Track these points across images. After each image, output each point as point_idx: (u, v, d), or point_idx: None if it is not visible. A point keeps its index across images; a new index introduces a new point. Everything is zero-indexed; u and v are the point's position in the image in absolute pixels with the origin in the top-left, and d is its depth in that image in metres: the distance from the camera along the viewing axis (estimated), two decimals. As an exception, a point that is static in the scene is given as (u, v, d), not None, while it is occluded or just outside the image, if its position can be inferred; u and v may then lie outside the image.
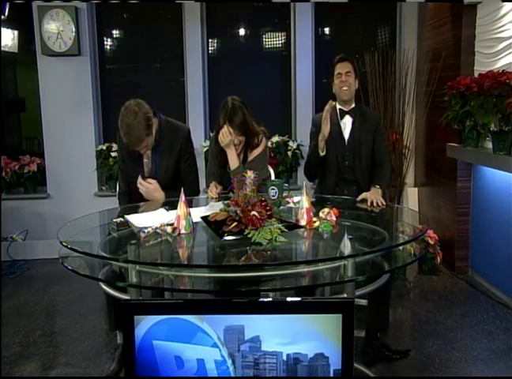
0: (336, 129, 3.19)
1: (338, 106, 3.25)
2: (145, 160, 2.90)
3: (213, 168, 3.04)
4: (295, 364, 1.12)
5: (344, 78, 3.16)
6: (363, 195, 2.84)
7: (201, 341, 1.13)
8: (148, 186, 2.80)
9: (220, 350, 1.12)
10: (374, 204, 2.70)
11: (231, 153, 2.88)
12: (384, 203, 2.73)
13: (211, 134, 4.62)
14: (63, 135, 4.64)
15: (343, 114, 3.24)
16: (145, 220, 2.20)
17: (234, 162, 2.88)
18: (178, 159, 2.92)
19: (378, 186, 2.97)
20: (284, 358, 1.12)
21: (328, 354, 1.12)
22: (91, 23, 4.64)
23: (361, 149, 3.19)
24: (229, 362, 1.13)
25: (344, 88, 3.16)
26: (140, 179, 2.80)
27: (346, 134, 3.22)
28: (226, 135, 2.82)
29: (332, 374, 1.13)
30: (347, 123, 3.23)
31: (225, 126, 2.83)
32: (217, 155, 2.99)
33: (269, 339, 1.12)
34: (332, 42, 4.93)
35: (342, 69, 3.18)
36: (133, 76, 4.83)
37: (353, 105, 3.24)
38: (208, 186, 3.00)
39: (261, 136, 2.96)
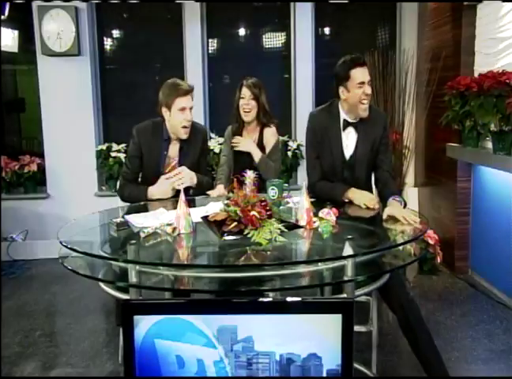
0: (336, 141, 2.67)
1: (342, 116, 2.66)
2: (170, 154, 2.89)
3: (227, 171, 3.22)
4: (288, 364, 1.12)
5: (368, 90, 2.50)
6: (389, 212, 2.29)
7: (198, 341, 1.13)
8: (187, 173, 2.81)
9: (217, 350, 1.12)
10: (410, 221, 2.19)
11: (251, 148, 3.11)
12: (417, 221, 2.22)
13: (211, 134, 4.62)
14: (63, 135, 4.64)
15: (346, 124, 2.65)
16: (145, 220, 2.20)
17: (257, 153, 3.09)
18: (198, 158, 2.95)
19: (398, 198, 2.40)
20: (277, 358, 1.12)
21: (321, 354, 1.12)
22: (91, 23, 4.64)
23: (362, 168, 2.66)
24: (226, 361, 1.13)
25: (365, 102, 2.53)
26: (182, 168, 2.80)
27: (347, 150, 2.67)
28: (238, 139, 3.15)
29: (325, 374, 1.13)
30: (349, 137, 2.66)
31: (235, 137, 3.17)
32: (233, 154, 3.23)
33: (262, 339, 1.12)
34: (332, 42, 4.93)
35: (364, 76, 2.50)
36: (133, 76, 4.82)
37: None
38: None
39: (272, 126, 3.17)
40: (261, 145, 3.16)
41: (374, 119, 2.65)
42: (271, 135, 3.17)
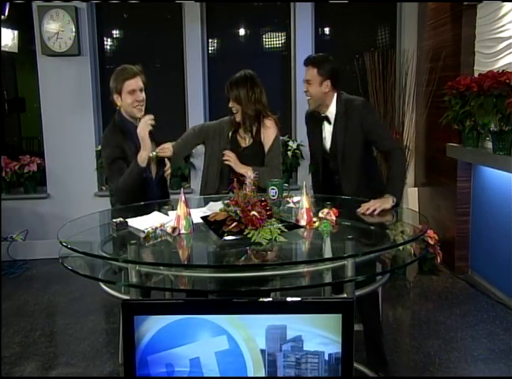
0: (317, 135, 2.82)
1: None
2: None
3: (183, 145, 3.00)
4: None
5: (305, 87, 2.73)
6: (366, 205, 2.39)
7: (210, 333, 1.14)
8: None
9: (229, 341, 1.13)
10: (367, 212, 2.33)
11: (242, 170, 2.68)
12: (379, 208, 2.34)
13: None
14: (63, 135, 4.64)
15: (321, 118, 2.77)
16: (145, 223, 2.19)
17: (250, 173, 2.47)
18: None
19: (387, 195, 2.44)
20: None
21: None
22: (91, 23, 4.64)
23: (345, 158, 2.70)
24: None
25: (307, 98, 2.75)
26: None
27: (327, 143, 2.78)
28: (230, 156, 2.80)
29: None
30: (326, 130, 2.77)
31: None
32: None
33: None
34: (332, 42, 4.93)
35: (305, 74, 2.74)
36: (133, 76, 4.82)
37: (331, 109, 2.72)
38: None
39: (270, 118, 2.85)
40: (259, 141, 2.85)
41: (350, 108, 2.69)
42: (269, 129, 2.85)
